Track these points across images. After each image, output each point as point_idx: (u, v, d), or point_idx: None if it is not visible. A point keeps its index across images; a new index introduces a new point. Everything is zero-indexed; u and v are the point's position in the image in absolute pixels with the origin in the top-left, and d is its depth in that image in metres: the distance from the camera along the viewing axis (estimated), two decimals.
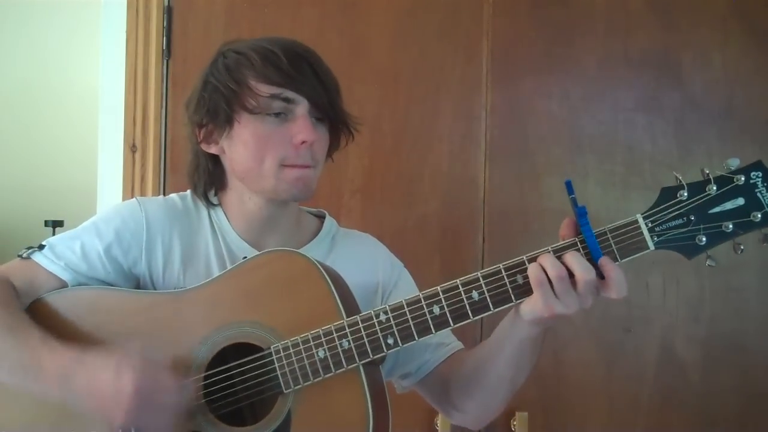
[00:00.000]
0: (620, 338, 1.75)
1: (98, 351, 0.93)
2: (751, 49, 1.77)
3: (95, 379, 0.90)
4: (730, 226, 0.85)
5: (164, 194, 1.74)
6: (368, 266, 1.12)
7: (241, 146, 1.02)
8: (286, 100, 1.00)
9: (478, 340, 1.53)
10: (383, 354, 0.92)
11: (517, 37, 1.77)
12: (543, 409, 1.73)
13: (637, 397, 1.75)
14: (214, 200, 1.11)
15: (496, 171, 1.76)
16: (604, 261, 0.86)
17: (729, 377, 1.74)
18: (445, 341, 1.11)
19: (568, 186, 0.88)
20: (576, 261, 0.86)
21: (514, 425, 1.70)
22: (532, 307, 0.88)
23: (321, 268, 0.96)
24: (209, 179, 1.10)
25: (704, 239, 0.86)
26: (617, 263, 0.87)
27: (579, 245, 0.87)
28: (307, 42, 1.06)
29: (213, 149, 1.07)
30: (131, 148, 1.76)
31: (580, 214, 0.87)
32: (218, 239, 1.09)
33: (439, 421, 1.69)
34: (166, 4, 1.76)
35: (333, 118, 1.05)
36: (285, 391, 0.93)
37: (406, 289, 1.11)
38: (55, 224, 2.91)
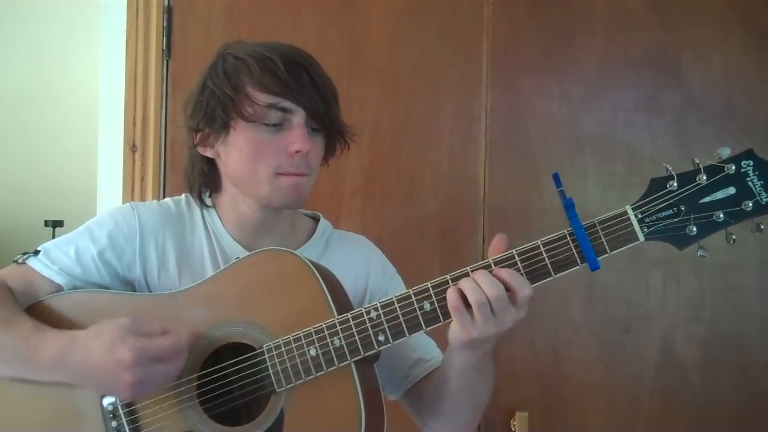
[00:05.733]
0: (620, 338, 1.75)
1: (90, 329, 0.93)
2: (751, 49, 1.77)
3: (91, 357, 0.90)
4: (721, 215, 0.84)
5: (164, 194, 1.75)
6: (360, 270, 1.12)
7: (236, 152, 1.02)
8: (283, 109, 0.99)
9: None
10: (375, 351, 0.91)
11: (517, 37, 1.77)
12: (543, 409, 1.73)
13: (637, 397, 1.75)
14: (208, 202, 1.12)
15: (496, 171, 1.76)
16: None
17: (729, 377, 1.74)
18: (425, 357, 1.11)
19: (556, 179, 0.88)
20: (514, 278, 0.85)
21: (514, 425, 1.70)
22: (452, 331, 0.89)
23: (312, 267, 0.96)
24: (204, 181, 1.10)
25: (695, 229, 0.85)
26: (607, 255, 0.86)
27: (568, 237, 0.87)
28: (307, 43, 1.06)
29: (208, 153, 1.07)
30: (131, 148, 1.76)
31: (568, 206, 0.87)
32: (212, 241, 1.09)
33: None
34: (166, 4, 1.76)
35: (329, 128, 1.05)
36: (277, 390, 0.94)
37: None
38: (55, 224, 2.91)
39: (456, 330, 0.88)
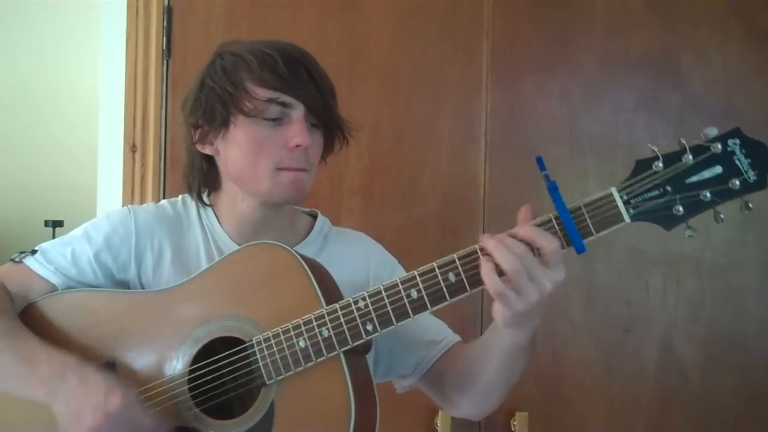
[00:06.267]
0: (620, 338, 1.75)
1: (97, 367, 0.95)
2: (751, 49, 1.77)
3: (85, 388, 0.91)
4: (708, 194, 0.83)
5: (164, 194, 1.75)
6: (360, 264, 1.12)
7: (236, 148, 1.02)
8: (283, 104, 1.00)
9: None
10: (363, 340, 0.91)
11: (517, 37, 1.77)
12: (543, 409, 1.73)
13: (637, 397, 1.75)
14: (207, 200, 1.12)
15: (496, 171, 1.76)
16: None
17: (729, 377, 1.74)
18: (436, 338, 1.10)
19: (540, 162, 0.88)
20: (537, 234, 0.84)
21: (514, 425, 1.70)
22: (495, 308, 0.87)
23: (300, 259, 0.96)
24: (203, 179, 1.10)
25: (681, 209, 0.84)
26: (593, 237, 0.85)
27: (554, 221, 0.87)
28: (307, 42, 1.06)
29: (208, 150, 1.07)
30: (131, 148, 1.76)
31: (552, 188, 0.86)
32: (209, 240, 1.10)
33: (439, 420, 1.68)
34: (166, 4, 1.76)
35: (328, 123, 1.06)
36: (267, 383, 0.94)
37: None
38: (55, 224, 2.91)
39: (499, 309, 0.86)
